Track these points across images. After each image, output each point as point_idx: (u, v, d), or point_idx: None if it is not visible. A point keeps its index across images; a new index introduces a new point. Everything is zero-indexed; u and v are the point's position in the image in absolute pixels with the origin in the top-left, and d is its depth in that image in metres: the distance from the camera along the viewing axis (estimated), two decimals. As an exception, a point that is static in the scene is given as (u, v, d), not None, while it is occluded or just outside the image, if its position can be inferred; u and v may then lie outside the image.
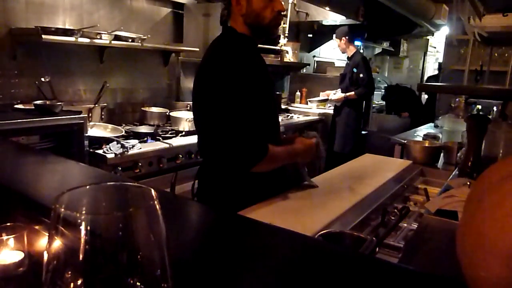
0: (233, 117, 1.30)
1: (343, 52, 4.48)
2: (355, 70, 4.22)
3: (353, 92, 4.15)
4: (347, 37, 4.24)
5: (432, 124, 3.92)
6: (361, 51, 4.94)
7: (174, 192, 1.97)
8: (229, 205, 1.34)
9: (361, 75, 4.17)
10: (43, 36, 2.16)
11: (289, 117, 4.06)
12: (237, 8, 1.35)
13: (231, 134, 1.31)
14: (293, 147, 1.47)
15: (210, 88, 1.32)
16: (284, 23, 3.90)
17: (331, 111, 4.47)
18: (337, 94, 4.28)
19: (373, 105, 5.37)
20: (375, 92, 5.07)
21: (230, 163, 1.37)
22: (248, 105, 1.32)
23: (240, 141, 1.31)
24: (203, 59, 1.39)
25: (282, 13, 1.41)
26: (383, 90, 6.34)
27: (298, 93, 4.91)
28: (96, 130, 2.54)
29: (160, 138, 2.57)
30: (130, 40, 2.65)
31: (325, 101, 4.53)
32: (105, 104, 2.78)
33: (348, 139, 4.23)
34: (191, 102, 1.46)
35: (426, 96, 6.38)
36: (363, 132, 4.67)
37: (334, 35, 4.44)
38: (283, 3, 1.41)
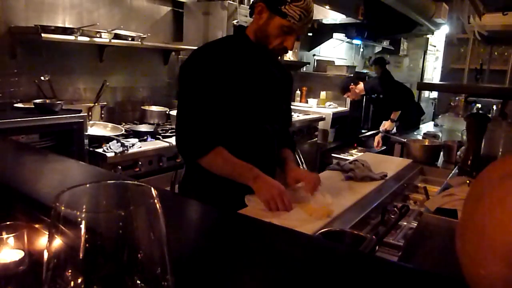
0: (190, 108, 1.34)
1: (362, 94, 4.34)
2: (374, 96, 4.16)
3: (393, 113, 4.06)
4: (352, 82, 4.17)
5: (432, 123, 3.92)
6: (374, 71, 4.73)
7: (174, 191, 1.98)
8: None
9: (381, 96, 4.10)
10: (43, 35, 2.15)
11: (289, 116, 4.06)
12: (256, 16, 1.36)
13: (183, 123, 1.36)
14: (243, 167, 1.33)
15: (182, 77, 1.37)
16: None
17: (331, 110, 4.47)
18: (385, 125, 4.17)
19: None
20: None
21: (179, 151, 1.42)
22: (212, 102, 1.32)
23: (187, 132, 1.35)
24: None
25: (289, 51, 1.41)
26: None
27: (298, 91, 4.91)
28: (96, 129, 2.54)
29: (160, 136, 2.57)
30: (130, 39, 2.65)
31: (376, 134, 4.33)
32: (105, 103, 2.78)
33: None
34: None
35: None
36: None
37: (342, 94, 4.34)
38: (295, 45, 1.43)
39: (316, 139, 4.34)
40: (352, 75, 4.71)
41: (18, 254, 0.70)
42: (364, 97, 4.43)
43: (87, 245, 0.29)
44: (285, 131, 1.64)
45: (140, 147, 2.31)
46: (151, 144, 2.40)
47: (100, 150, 2.18)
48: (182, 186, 1.53)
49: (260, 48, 1.38)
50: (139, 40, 2.69)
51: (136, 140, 2.39)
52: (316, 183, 1.39)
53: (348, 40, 5.55)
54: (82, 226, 0.29)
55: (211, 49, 1.39)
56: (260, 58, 1.43)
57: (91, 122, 2.55)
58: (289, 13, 1.28)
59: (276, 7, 1.29)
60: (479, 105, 3.62)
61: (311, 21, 1.35)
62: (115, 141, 2.28)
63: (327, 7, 3.75)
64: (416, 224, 1.38)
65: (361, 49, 6.54)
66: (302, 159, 3.88)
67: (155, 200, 0.33)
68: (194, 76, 1.34)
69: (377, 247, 1.04)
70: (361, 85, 4.18)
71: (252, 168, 1.33)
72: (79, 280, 0.30)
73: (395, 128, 4.18)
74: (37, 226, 0.76)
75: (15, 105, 2.24)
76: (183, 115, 1.36)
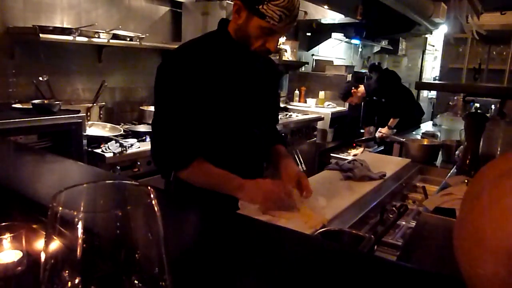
0: (166, 116, 1.24)
1: (363, 97, 4.22)
2: (375, 98, 4.11)
3: (392, 120, 3.98)
4: (353, 87, 4.12)
5: (430, 123, 3.92)
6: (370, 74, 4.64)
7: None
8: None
9: (383, 100, 4.04)
10: (41, 35, 2.15)
11: (287, 115, 4.07)
12: (234, 15, 1.24)
13: (159, 133, 1.27)
14: (225, 178, 1.24)
15: (158, 80, 1.26)
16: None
17: (330, 110, 4.47)
18: (383, 130, 4.05)
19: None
20: None
21: (154, 163, 1.33)
22: (191, 109, 1.22)
23: (164, 143, 1.25)
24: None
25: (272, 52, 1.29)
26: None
27: (296, 91, 4.91)
28: (95, 129, 2.54)
29: (159, 137, 2.56)
30: (128, 39, 2.65)
31: (371, 140, 4.13)
32: (103, 103, 2.78)
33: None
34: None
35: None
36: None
37: (344, 100, 4.27)
38: (278, 45, 1.32)
39: (315, 139, 4.34)
40: (351, 74, 4.68)
41: (17, 255, 0.70)
42: (364, 99, 4.37)
43: (84, 245, 0.29)
44: (273, 128, 1.56)
45: (139, 147, 2.31)
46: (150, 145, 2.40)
47: (98, 151, 2.18)
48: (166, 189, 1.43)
49: (242, 46, 1.27)
50: (138, 40, 2.69)
51: (135, 140, 2.39)
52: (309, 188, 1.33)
53: (347, 40, 5.55)
54: (80, 226, 0.29)
55: (189, 50, 1.29)
56: (243, 56, 1.31)
57: (89, 122, 2.55)
58: (267, 14, 1.15)
59: (253, 6, 1.16)
60: (477, 105, 3.63)
61: (295, 19, 1.20)
62: (113, 141, 2.28)
63: (326, 7, 3.75)
64: (414, 224, 1.38)
65: (360, 49, 6.55)
66: (301, 159, 3.88)
67: (153, 200, 0.33)
68: (171, 81, 1.23)
69: (375, 247, 1.04)
70: (362, 88, 4.16)
71: (234, 177, 1.24)
72: (77, 280, 0.30)
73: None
74: (35, 226, 0.76)
75: (13, 105, 2.24)
76: (159, 124, 1.26)
